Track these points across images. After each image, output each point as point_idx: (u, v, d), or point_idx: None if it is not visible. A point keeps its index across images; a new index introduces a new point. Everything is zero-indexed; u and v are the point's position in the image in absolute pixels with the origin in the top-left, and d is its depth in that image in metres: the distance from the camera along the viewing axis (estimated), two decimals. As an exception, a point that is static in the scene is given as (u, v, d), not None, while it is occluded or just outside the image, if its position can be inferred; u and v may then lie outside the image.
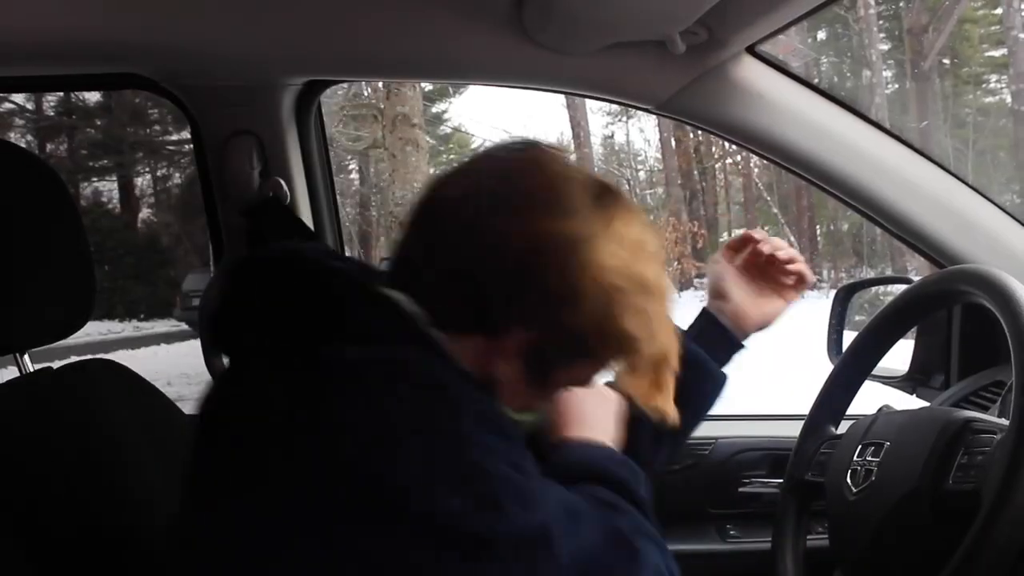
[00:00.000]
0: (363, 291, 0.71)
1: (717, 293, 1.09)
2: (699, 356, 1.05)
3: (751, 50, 1.23)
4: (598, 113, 20.03)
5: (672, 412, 0.83)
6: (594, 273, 0.69)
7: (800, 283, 1.09)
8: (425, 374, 0.65)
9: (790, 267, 1.07)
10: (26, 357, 1.01)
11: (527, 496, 0.62)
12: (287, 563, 0.60)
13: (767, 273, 1.08)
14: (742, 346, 1.08)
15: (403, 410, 0.62)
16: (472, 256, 0.70)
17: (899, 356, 1.39)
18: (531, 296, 0.69)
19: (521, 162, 0.74)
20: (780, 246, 1.07)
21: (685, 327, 1.09)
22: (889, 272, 13.74)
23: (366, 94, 11.33)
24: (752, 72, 1.25)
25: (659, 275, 0.74)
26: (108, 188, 16.17)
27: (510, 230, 0.69)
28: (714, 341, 1.07)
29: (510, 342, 0.71)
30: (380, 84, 7.88)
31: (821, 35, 16.86)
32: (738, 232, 1.08)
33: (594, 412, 0.88)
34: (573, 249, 0.69)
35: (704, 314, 1.09)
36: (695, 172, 17.99)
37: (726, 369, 1.07)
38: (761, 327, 1.09)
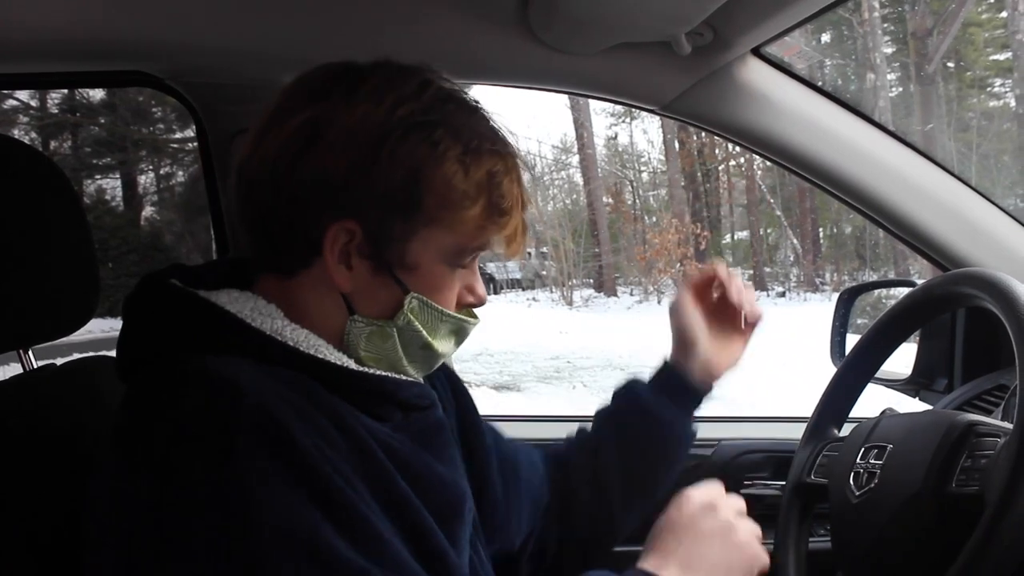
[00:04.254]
0: (189, 304, 0.74)
1: (684, 341, 1.04)
2: (663, 418, 1.03)
3: (756, 52, 1.23)
4: (602, 114, 20.01)
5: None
6: (358, 130, 0.72)
7: (754, 322, 1.05)
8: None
9: (746, 308, 1.03)
10: (30, 353, 1.01)
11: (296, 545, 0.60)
12: None
13: (724, 313, 1.05)
14: (710, 393, 1.06)
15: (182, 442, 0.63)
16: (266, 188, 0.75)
17: (902, 359, 1.39)
18: (330, 186, 0.72)
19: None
20: (737, 286, 1.03)
21: (646, 380, 1.06)
22: (892, 275, 13.72)
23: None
24: (757, 74, 1.25)
25: (412, 112, 0.74)
26: (112, 186, 16.16)
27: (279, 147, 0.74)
28: (682, 398, 1.04)
29: (333, 244, 0.74)
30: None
31: (825, 38, 16.84)
32: (716, 259, 1.04)
33: (699, 549, 0.78)
34: (331, 126, 0.73)
35: (668, 370, 1.05)
36: (698, 174, 17.98)
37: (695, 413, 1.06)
38: (728, 371, 1.06)
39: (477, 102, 0.78)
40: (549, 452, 1.10)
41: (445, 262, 0.77)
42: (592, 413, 1.10)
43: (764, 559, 0.82)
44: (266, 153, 0.74)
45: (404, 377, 0.82)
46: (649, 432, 1.03)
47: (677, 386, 1.04)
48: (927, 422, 0.98)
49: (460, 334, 0.83)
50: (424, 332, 0.78)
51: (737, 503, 0.85)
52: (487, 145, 0.76)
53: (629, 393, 1.06)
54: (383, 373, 0.79)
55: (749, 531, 0.83)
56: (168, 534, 0.60)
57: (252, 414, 0.63)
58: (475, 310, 0.84)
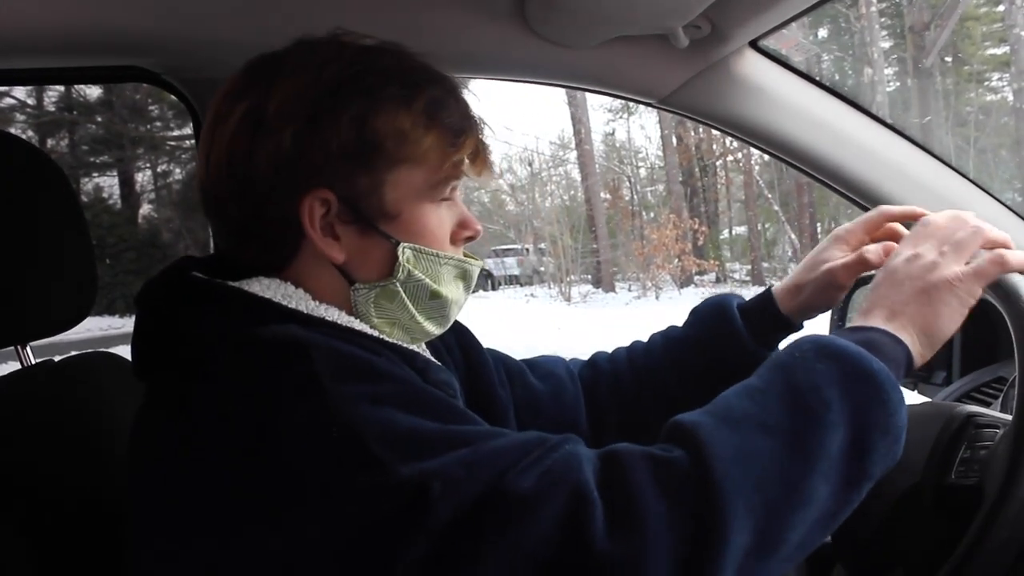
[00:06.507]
0: (214, 292, 0.73)
1: (819, 280, 0.95)
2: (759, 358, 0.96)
3: (754, 45, 1.23)
4: (599, 110, 20.05)
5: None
6: (293, 101, 0.73)
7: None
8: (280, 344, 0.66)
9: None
10: (28, 350, 1.01)
11: (408, 444, 0.61)
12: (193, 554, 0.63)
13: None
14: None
15: (261, 390, 0.63)
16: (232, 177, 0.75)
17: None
18: (286, 162, 0.73)
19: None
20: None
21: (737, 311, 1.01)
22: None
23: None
24: (755, 67, 1.25)
25: (337, 70, 0.75)
26: (109, 183, 16.13)
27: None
28: (774, 337, 1.01)
29: (312, 219, 0.74)
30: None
31: (823, 32, 16.85)
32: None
33: (902, 296, 0.74)
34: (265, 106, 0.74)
35: (770, 306, 1.01)
36: (696, 169, 17.99)
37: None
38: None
39: (398, 46, 0.79)
40: (586, 378, 1.12)
41: (424, 199, 0.78)
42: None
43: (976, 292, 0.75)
44: (219, 161, 0.76)
45: (433, 360, 0.83)
46: (736, 366, 0.95)
47: (774, 324, 1.00)
48: (926, 414, 0.98)
49: (466, 277, 0.84)
50: (428, 280, 0.79)
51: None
52: (421, 76, 0.78)
53: (720, 323, 1.02)
54: (415, 349, 0.80)
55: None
56: (283, 484, 0.60)
57: (323, 352, 0.64)
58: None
